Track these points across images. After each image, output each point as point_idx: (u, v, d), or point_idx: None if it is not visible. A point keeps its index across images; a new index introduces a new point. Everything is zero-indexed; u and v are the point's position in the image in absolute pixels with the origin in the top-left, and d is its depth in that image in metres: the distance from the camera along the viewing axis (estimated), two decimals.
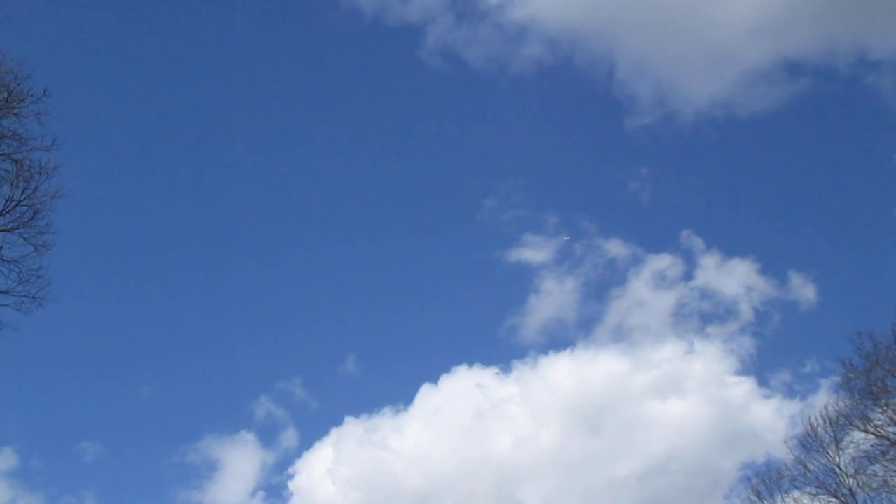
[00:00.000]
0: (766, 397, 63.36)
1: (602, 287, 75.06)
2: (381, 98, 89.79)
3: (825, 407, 40.09)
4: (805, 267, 73.63)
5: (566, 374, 67.13)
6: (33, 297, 25.45)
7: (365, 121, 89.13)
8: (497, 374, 67.80)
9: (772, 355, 69.84)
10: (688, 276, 71.16)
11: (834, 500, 38.35)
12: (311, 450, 66.35)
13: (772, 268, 71.64)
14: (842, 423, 38.80)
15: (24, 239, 24.76)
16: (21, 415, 67.24)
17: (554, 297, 73.81)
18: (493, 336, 75.61)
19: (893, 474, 36.08)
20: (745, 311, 68.94)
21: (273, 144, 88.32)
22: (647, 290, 72.08)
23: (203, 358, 77.22)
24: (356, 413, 69.18)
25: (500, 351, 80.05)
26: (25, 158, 24.30)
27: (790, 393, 64.82)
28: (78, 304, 72.99)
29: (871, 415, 37.02)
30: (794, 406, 60.88)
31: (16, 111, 23.97)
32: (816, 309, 69.13)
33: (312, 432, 78.79)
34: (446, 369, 68.13)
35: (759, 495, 41.89)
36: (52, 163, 24.44)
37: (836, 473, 38.84)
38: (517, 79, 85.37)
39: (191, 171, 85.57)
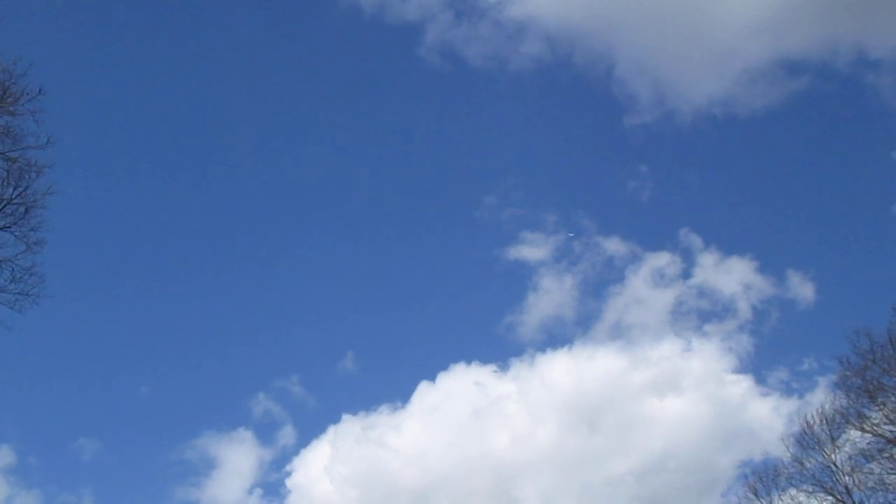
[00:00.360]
0: (764, 395, 63.54)
1: (600, 285, 75.23)
2: (381, 96, 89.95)
3: (822, 405, 40.29)
4: (803, 265, 74.07)
5: (564, 372, 67.29)
6: (27, 295, 25.46)
7: (364, 119, 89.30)
8: (495, 371, 67.95)
9: (769, 353, 70.11)
10: (686, 275, 71.29)
11: (830, 498, 38.36)
12: (308, 447, 66.58)
13: (770, 266, 71.81)
14: (838, 421, 38.87)
15: (17, 237, 24.79)
16: (18, 412, 67.43)
17: (552, 295, 73.92)
18: (491, 334, 75.80)
19: (889, 472, 36.09)
20: (744, 310, 69.07)
21: (271, 142, 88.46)
22: (646, 288, 72.22)
23: (201, 355, 77.46)
24: (354, 411, 69.62)
25: (498, 349, 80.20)
26: (20, 157, 24.27)
27: (788, 391, 65.02)
28: (76, 301, 73.24)
29: (868, 413, 37.07)
30: (791, 404, 61.09)
31: (11, 109, 23.94)
32: (814, 307, 69.29)
33: (310, 430, 78.78)
34: (444, 367, 68.49)
35: (756, 493, 41.92)
36: (45, 161, 24.46)
37: (832, 471, 38.89)
38: (516, 77, 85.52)
39: (189, 168, 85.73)
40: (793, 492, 40.22)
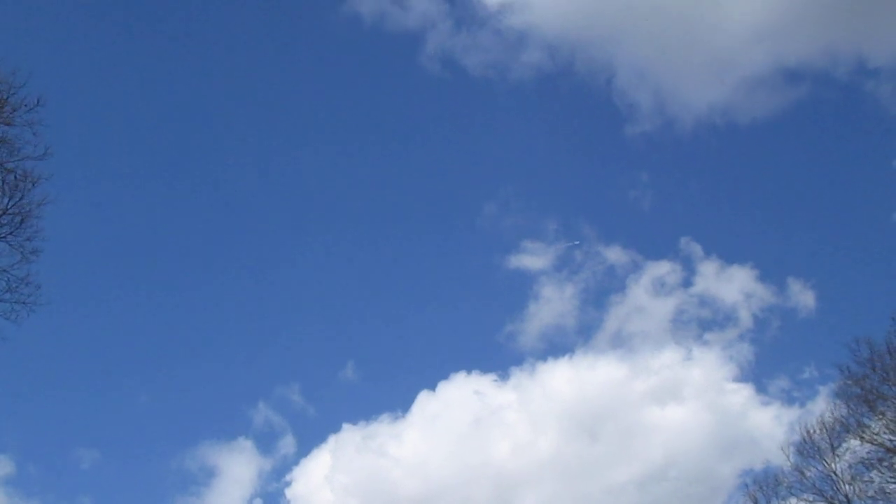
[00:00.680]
0: (765, 404, 63.35)
1: (601, 294, 74.96)
2: (381, 104, 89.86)
3: (822, 414, 40.24)
4: (804, 274, 73.62)
5: (565, 381, 67.12)
6: (23, 304, 25.49)
7: (364, 127, 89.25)
8: (495, 380, 67.84)
9: (770, 362, 69.79)
10: (687, 283, 71.08)
11: None
12: (308, 457, 66.29)
13: (771, 274, 71.59)
14: (838, 430, 38.81)
15: (12, 247, 24.84)
16: (17, 422, 67.08)
17: (553, 304, 73.74)
18: (491, 342, 75.63)
19: (890, 482, 35.99)
20: (744, 318, 68.85)
21: (272, 150, 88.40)
22: (647, 297, 72.03)
23: (200, 364, 77.21)
24: (354, 420, 69.34)
25: (499, 357, 79.79)
26: (17, 167, 24.35)
27: (789, 400, 64.90)
28: (73, 310, 72.97)
29: (868, 422, 37.01)
30: (792, 413, 60.86)
31: (8, 120, 24.03)
32: (815, 316, 68.99)
33: (310, 439, 78.47)
34: (444, 376, 68.28)
35: (756, 502, 41.87)
36: (43, 172, 24.54)
37: (832, 480, 38.83)
38: (517, 85, 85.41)
39: (188, 176, 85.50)
40: (793, 501, 40.24)
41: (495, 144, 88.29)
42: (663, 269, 71.63)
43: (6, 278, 25.23)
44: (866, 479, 37.00)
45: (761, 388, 65.29)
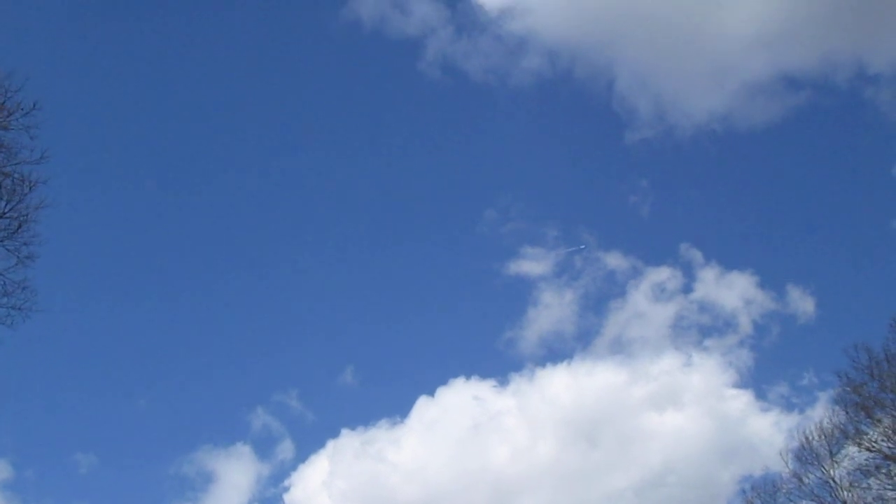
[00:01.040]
0: (764, 410, 63.37)
1: (601, 299, 75.02)
2: (382, 110, 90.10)
3: (820, 420, 40.17)
4: (804, 280, 73.68)
5: (563, 387, 67.13)
6: (19, 309, 25.44)
7: (365, 132, 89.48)
8: (494, 386, 67.79)
9: (770, 368, 69.72)
10: (687, 289, 71.14)
11: None
12: (306, 462, 66.20)
13: (770, 281, 71.55)
14: (837, 436, 38.75)
15: (9, 251, 24.81)
16: (15, 426, 67.11)
17: (553, 310, 73.77)
18: (490, 348, 75.60)
19: (887, 488, 35.92)
20: (744, 324, 68.89)
21: (272, 155, 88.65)
22: (646, 303, 72.08)
23: (198, 369, 77.19)
24: (352, 425, 69.12)
25: (498, 363, 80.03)
26: (13, 171, 24.34)
27: (788, 406, 64.80)
28: (70, 315, 73.17)
29: (866, 429, 36.93)
30: (791, 419, 60.83)
31: (5, 124, 24.03)
32: (815, 322, 69.07)
33: (308, 444, 78.52)
34: (443, 381, 68.16)
35: None
36: (39, 176, 24.52)
37: (831, 487, 38.74)
38: (517, 91, 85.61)
39: (186, 181, 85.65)
40: None
41: (495, 150, 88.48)
42: (663, 275, 71.78)
43: (2, 283, 25.20)
44: (864, 485, 36.95)
45: (761, 395, 65.32)
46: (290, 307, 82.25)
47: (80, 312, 75.65)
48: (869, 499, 36.72)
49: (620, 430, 64.14)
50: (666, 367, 66.13)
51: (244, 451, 66.91)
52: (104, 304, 78.07)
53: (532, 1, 79.93)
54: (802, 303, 68.95)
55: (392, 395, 76.92)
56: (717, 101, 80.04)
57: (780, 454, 41.44)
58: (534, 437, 65.14)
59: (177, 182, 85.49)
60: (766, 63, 77.20)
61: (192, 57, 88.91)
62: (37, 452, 67.94)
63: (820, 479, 39.24)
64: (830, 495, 38.64)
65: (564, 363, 69.16)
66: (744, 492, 43.16)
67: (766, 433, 59.97)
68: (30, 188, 24.19)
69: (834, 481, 38.59)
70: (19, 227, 24.67)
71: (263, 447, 68.72)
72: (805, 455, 40.06)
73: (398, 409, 75.48)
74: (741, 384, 65.77)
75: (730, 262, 74.28)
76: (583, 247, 73.75)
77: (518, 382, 68.53)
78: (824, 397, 60.04)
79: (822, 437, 39.45)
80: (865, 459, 36.80)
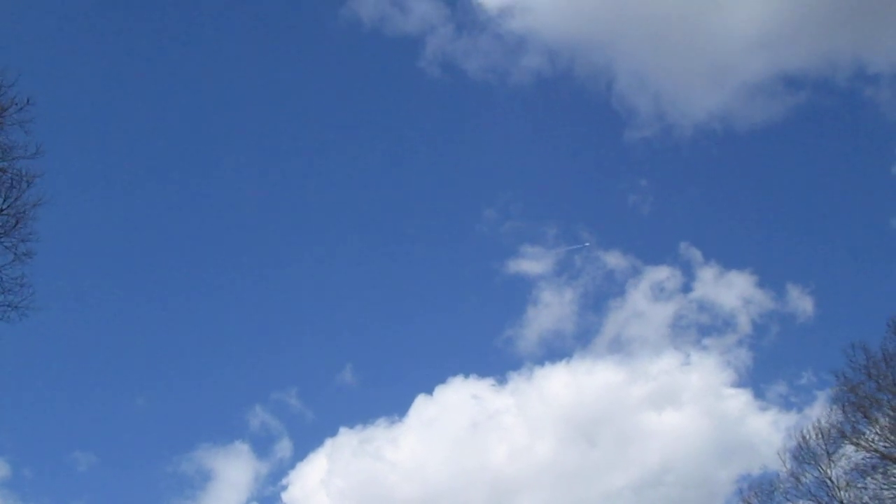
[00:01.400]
0: (763, 409, 63.41)
1: (600, 298, 74.99)
2: (381, 108, 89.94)
3: (818, 420, 40.18)
4: (803, 279, 73.72)
5: (562, 386, 67.16)
6: (16, 307, 25.41)
7: (364, 130, 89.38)
8: (493, 385, 67.78)
9: (768, 367, 69.76)
10: (686, 288, 71.14)
11: None
12: (305, 461, 66.14)
13: (770, 280, 71.57)
14: (834, 436, 38.73)
15: (6, 248, 24.78)
16: (13, 424, 67.00)
17: (552, 309, 73.76)
18: (489, 347, 75.54)
19: (884, 488, 35.92)
20: (743, 324, 68.91)
21: (270, 153, 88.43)
22: (646, 302, 72.07)
23: (197, 367, 77.11)
24: (351, 424, 69.18)
25: (497, 362, 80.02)
26: (8, 168, 24.32)
27: (786, 405, 64.86)
28: (69, 312, 72.95)
29: (863, 428, 36.92)
30: (790, 418, 60.90)
31: None
32: (814, 321, 69.07)
33: (307, 443, 78.62)
34: (442, 380, 68.14)
35: None
36: (35, 171, 24.50)
37: (828, 486, 38.73)
38: (516, 90, 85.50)
39: (184, 177, 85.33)
40: None
41: (495, 149, 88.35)
42: (662, 274, 71.78)
43: None
44: (861, 485, 36.98)
45: (759, 394, 65.34)
46: (288, 305, 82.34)
47: (78, 310, 75.65)
48: (866, 498, 36.76)
49: (619, 429, 64.25)
50: (665, 366, 66.28)
51: (242, 449, 66.99)
52: (102, 302, 78.04)
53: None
54: (801, 302, 69.04)
55: (390, 393, 76.88)
56: (717, 100, 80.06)
57: (778, 454, 41.56)
58: (532, 436, 65.26)
59: (175, 179, 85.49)
60: (766, 62, 77.33)
61: (191, 54, 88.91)
62: (35, 451, 67.95)
63: (817, 478, 39.25)
64: (827, 495, 38.64)
65: (563, 362, 69.27)
66: (741, 491, 43.25)
67: (765, 432, 60.12)
68: (27, 184, 24.19)
69: (831, 481, 38.60)
70: (16, 223, 24.64)
71: (262, 446, 68.85)
72: (802, 454, 40.09)
73: (396, 407, 75.17)
74: (740, 383, 65.90)
75: (729, 261, 74.32)
76: (587, 244, 73.80)
77: (517, 381, 68.62)
78: (823, 397, 59.97)
79: (820, 436, 39.47)
80: (862, 459, 36.83)
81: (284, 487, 64.02)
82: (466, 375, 67.41)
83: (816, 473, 39.26)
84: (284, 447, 67.53)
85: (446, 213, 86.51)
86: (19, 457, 64.84)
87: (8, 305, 25.24)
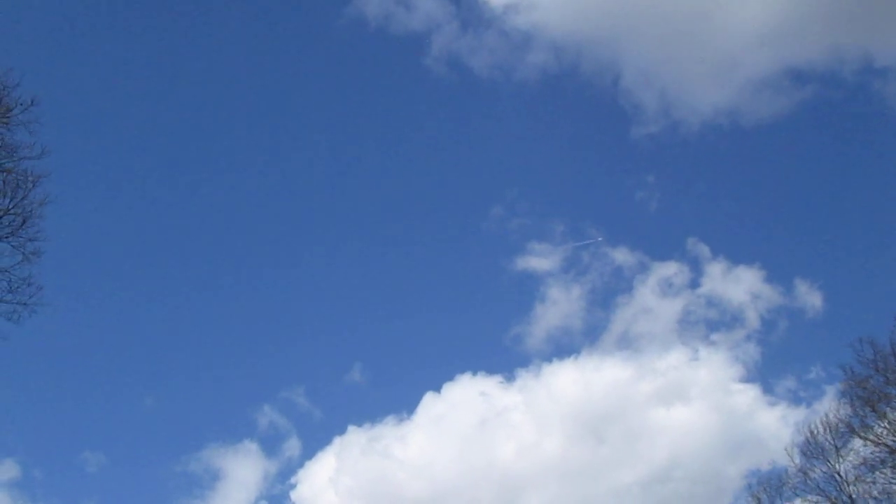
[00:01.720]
0: (771, 405, 63.18)
1: (608, 295, 75.00)
2: (386, 106, 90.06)
3: (826, 414, 40.06)
4: (811, 274, 73.55)
5: (570, 382, 67.01)
6: (25, 305, 25.52)
7: (370, 128, 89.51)
8: (501, 382, 67.73)
9: (777, 362, 69.63)
10: (694, 284, 70.98)
11: None
12: (313, 459, 66.22)
13: (778, 275, 71.51)
14: (842, 430, 38.63)
15: (14, 247, 24.90)
16: (23, 425, 67.40)
17: (560, 305, 73.68)
18: (497, 344, 75.55)
19: (893, 482, 35.77)
20: (752, 319, 68.66)
21: (277, 151, 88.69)
22: (654, 298, 71.93)
23: (205, 366, 77.38)
24: (359, 422, 69.24)
25: (504, 359, 79.89)
26: (15, 168, 24.45)
27: (795, 400, 64.67)
28: (76, 311, 73.17)
29: (871, 423, 36.82)
30: (799, 413, 60.70)
31: (4, 121, 24.13)
32: (822, 316, 68.76)
33: (315, 441, 78.78)
34: (450, 378, 68.15)
35: (760, 503, 41.71)
36: (41, 171, 24.63)
37: (836, 481, 38.67)
38: (522, 86, 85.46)
39: (191, 175, 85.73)
40: (798, 501, 40.15)
41: (501, 146, 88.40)
42: (670, 269, 71.59)
43: (7, 279, 25.29)
44: (870, 479, 36.87)
45: (768, 389, 65.27)
46: (296, 304, 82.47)
47: (86, 311, 75.89)
48: (874, 492, 36.66)
49: (627, 425, 64.10)
50: (673, 361, 66.08)
51: (251, 448, 67.14)
52: (110, 303, 78.30)
53: None
54: (810, 297, 68.78)
55: (398, 391, 77.04)
56: (724, 95, 79.73)
57: (786, 449, 41.49)
58: (541, 433, 65.14)
59: (182, 178, 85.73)
60: (773, 57, 77.04)
61: (196, 53, 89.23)
62: (44, 451, 68.27)
63: (825, 473, 39.24)
64: (836, 489, 38.60)
65: (571, 359, 69.14)
66: (750, 486, 43.25)
67: (774, 427, 59.87)
68: (32, 184, 24.31)
69: (839, 475, 38.55)
70: (23, 222, 24.77)
71: (270, 444, 68.92)
72: (810, 449, 40.03)
73: (405, 405, 75.21)
74: (748, 379, 65.63)
75: (737, 256, 73.82)
76: (600, 238, 73.70)
77: (525, 378, 68.55)
78: (832, 391, 59.69)
79: (828, 431, 39.39)
80: (871, 453, 36.70)
81: (293, 486, 64.20)
82: (474, 373, 67.50)
83: (825, 468, 39.30)
84: (293, 446, 67.74)
85: (453, 211, 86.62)
86: (29, 458, 65.22)
87: (17, 303, 25.36)
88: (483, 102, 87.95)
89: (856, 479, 37.56)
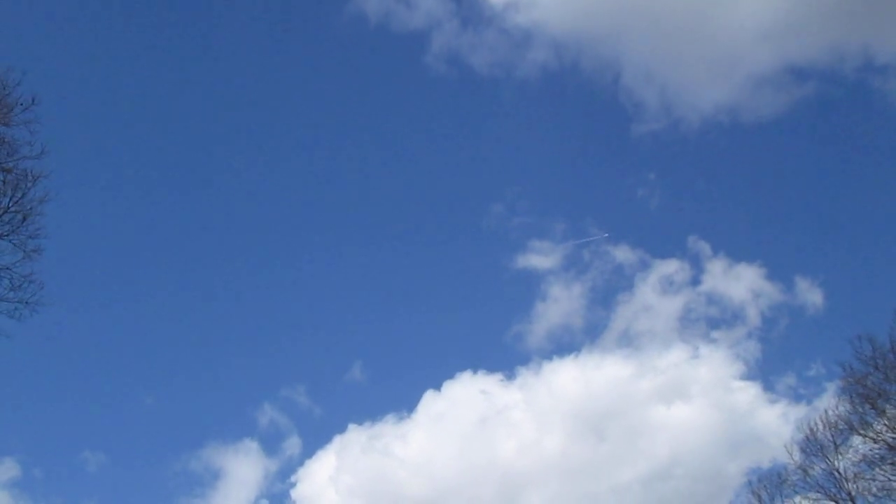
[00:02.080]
0: (772, 402, 63.28)
1: (609, 293, 75.16)
2: (387, 104, 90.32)
3: (825, 411, 40.04)
4: (812, 271, 73.90)
5: (571, 380, 67.18)
6: (26, 303, 25.57)
7: (371, 126, 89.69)
8: (501, 380, 67.83)
9: (778, 360, 69.86)
10: (695, 282, 71.21)
11: None
12: (313, 458, 66.68)
13: (778, 273, 71.68)
14: (842, 427, 38.62)
15: (15, 245, 24.95)
16: (23, 424, 67.61)
17: (560, 304, 73.91)
18: (498, 342, 75.80)
19: (893, 479, 35.80)
20: (752, 316, 68.88)
21: (277, 149, 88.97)
22: (654, 296, 72.16)
23: (206, 365, 77.72)
24: (359, 420, 69.66)
25: (505, 357, 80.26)
26: (15, 167, 24.51)
27: (796, 397, 64.87)
28: (77, 309, 73.72)
29: (871, 420, 36.81)
30: (799, 410, 60.81)
31: (4, 120, 24.19)
32: (823, 313, 68.96)
33: (315, 440, 79.12)
34: (450, 376, 68.35)
35: (760, 501, 41.77)
36: (41, 170, 24.68)
37: (836, 478, 38.69)
38: (523, 84, 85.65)
39: (191, 174, 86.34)
40: (797, 499, 40.21)
41: (502, 144, 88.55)
42: (671, 267, 71.82)
43: (9, 277, 25.35)
44: (869, 476, 36.86)
45: (768, 386, 65.53)
46: (296, 303, 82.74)
47: (87, 308, 76.37)
48: (874, 489, 36.65)
49: (628, 423, 64.21)
50: (673, 359, 66.28)
51: (251, 447, 67.38)
52: (110, 301, 78.70)
53: None
54: (810, 294, 68.99)
55: (399, 389, 77.39)
56: (724, 92, 80.00)
57: (785, 446, 41.50)
58: (541, 431, 65.32)
59: (183, 177, 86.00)
60: (773, 54, 77.20)
61: (197, 52, 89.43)
62: (45, 451, 68.51)
63: (825, 470, 39.25)
64: (836, 487, 38.61)
65: (572, 356, 69.34)
66: (750, 484, 43.30)
67: (774, 425, 59.93)
68: (32, 182, 24.36)
69: (839, 472, 38.57)
70: (24, 220, 24.83)
71: (271, 443, 69.26)
72: (810, 447, 40.05)
73: (405, 403, 75.60)
74: (749, 376, 65.84)
75: (738, 254, 74.40)
76: (606, 235, 73.75)
77: (525, 376, 68.76)
78: (832, 388, 59.81)
79: (827, 428, 39.38)
80: (870, 450, 36.72)
81: (293, 484, 64.43)
82: (475, 371, 67.66)
83: (825, 465, 39.28)
84: (293, 444, 67.96)
85: (454, 209, 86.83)
86: (29, 457, 65.63)
87: (19, 301, 25.41)
88: (483, 100, 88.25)
89: (855, 475, 37.58)
